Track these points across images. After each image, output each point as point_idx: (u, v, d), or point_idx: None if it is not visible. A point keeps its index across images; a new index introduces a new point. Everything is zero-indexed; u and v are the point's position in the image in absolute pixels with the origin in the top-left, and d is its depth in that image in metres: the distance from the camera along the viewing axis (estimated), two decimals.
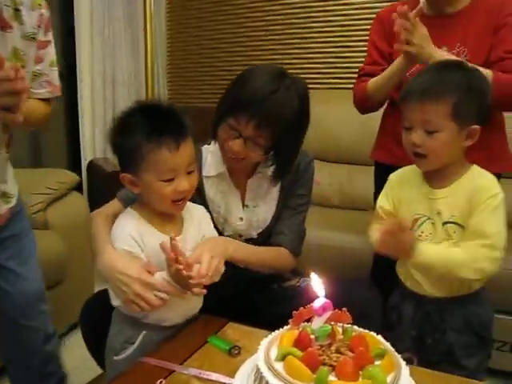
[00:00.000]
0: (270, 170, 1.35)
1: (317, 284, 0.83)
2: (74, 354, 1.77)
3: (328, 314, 0.83)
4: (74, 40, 3.05)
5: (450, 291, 1.24)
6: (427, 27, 1.56)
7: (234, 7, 3.35)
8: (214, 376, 0.96)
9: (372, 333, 0.90)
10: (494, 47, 1.56)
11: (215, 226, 1.33)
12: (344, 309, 0.88)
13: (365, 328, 0.91)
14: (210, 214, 1.33)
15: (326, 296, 0.86)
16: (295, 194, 1.41)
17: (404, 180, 1.32)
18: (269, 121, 1.20)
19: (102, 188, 2.69)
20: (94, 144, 3.25)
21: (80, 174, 3.04)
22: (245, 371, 0.89)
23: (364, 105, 1.69)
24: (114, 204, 1.32)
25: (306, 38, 3.14)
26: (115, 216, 1.22)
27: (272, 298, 1.36)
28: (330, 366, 0.77)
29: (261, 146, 1.24)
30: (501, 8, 1.56)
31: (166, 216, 1.18)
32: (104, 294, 1.41)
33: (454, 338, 1.25)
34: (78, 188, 2.48)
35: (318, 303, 0.82)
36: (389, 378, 0.76)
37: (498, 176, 1.59)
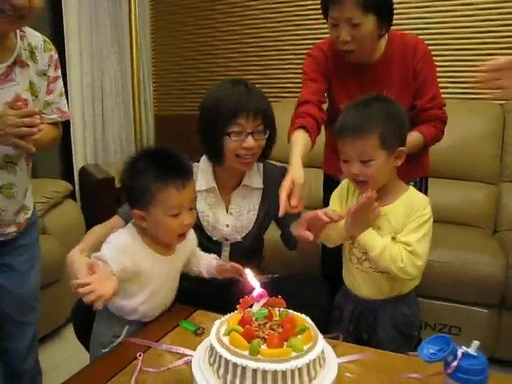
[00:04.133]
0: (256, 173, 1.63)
1: (251, 279, 1.09)
2: (70, 343, 1.99)
3: (264, 300, 1.06)
4: (64, 55, 3.19)
5: (382, 294, 1.42)
6: (350, 76, 1.64)
7: (213, 21, 3.60)
8: (182, 350, 1.20)
9: (302, 315, 1.12)
10: (417, 94, 1.63)
11: (205, 233, 1.61)
12: (279, 296, 1.09)
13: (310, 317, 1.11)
14: (201, 223, 1.59)
15: (276, 289, 1.09)
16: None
17: (351, 191, 1.47)
18: (256, 107, 1.48)
19: (93, 194, 2.84)
20: (85, 152, 3.41)
21: (73, 182, 3.22)
22: (204, 345, 1.12)
23: None
24: (114, 220, 1.49)
25: (280, 50, 3.42)
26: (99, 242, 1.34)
27: (238, 293, 1.58)
28: (263, 338, 1.00)
29: (263, 132, 1.52)
30: (414, 51, 1.61)
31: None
32: None
33: (383, 335, 1.43)
34: (72, 195, 2.67)
35: (255, 293, 1.08)
36: (306, 347, 0.99)
37: (425, 178, 1.76)
